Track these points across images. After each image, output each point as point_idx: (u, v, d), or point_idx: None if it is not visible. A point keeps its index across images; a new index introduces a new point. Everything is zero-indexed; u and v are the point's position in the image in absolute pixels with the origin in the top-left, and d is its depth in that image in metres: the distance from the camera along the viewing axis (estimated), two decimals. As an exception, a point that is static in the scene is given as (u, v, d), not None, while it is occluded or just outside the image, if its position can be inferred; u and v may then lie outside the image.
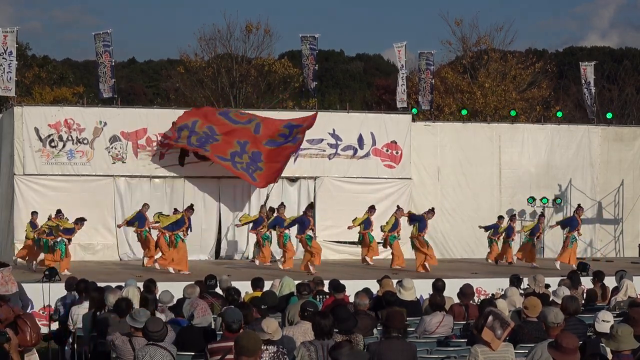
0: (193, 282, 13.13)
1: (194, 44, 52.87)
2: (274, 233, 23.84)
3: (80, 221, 22.09)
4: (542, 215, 26.73)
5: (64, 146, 26.11)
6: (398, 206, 24.97)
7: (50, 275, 15.68)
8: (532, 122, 36.36)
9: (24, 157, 25.79)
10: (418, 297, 14.21)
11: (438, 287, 12.56)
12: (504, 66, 44.19)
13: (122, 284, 13.29)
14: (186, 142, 25.84)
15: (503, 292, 13.51)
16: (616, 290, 14.02)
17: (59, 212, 23.13)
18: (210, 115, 26.88)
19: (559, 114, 32.92)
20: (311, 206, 25.20)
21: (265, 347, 8.26)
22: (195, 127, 26.14)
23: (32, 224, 23.39)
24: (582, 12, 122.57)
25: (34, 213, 23.82)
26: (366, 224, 24.28)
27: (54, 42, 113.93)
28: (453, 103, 43.58)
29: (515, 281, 14.49)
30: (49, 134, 26.01)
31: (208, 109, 28.71)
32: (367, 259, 24.25)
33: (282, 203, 24.74)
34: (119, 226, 24.95)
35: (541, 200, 29.29)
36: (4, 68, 26.44)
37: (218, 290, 13.88)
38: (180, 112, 27.89)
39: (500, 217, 26.54)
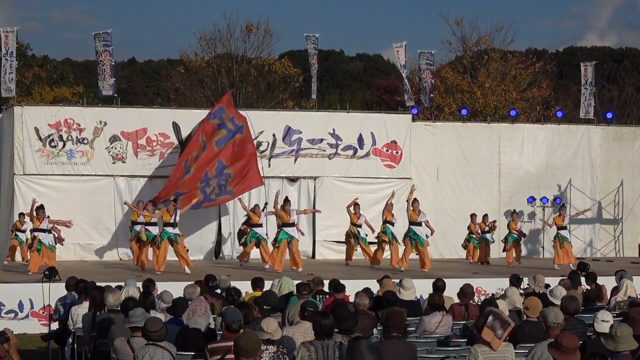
0: (193, 282, 13.13)
1: (194, 44, 52.82)
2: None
3: (38, 210, 22.39)
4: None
5: (64, 146, 26.11)
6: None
7: (50, 275, 15.68)
8: (532, 122, 36.32)
9: (24, 157, 25.79)
10: (418, 297, 14.21)
11: (438, 287, 12.55)
12: (504, 66, 44.17)
13: (122, 284, 13.30)
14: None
15: (503, 292, 13.52)
16: (616, 290, 14.03)
17: (21, 214, 24.01)
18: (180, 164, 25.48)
19: (559, 114, 32.89)
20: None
21: (265, 347, 8.27)
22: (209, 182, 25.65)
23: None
24: (580, 12, 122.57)
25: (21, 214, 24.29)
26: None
27: (53, 42, 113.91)
28: (453, 103, 43.57)
29: (515, 281, 14.50)
30: (49, 133, 26.01)
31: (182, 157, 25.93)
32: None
33: (286, 197, 24.68)
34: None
35: (541, 200, 29.30)
36: (5, 69, 26.48)
37: (218, 290, 13.88)
38: (180, 112, 27.91)
39: (473, 215, 26.68)
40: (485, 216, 26.83)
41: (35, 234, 22.06)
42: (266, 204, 25.86)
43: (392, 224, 24.09)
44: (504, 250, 26.23)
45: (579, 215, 27.15)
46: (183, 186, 25.00)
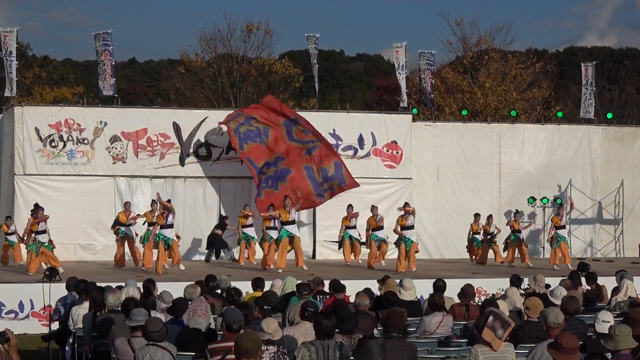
0: (194, 282, 13.13)
1: (195, 44, 52.92)
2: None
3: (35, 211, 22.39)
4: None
5: (64, 146, 26.11)
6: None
7: (51, 275, 15.67)
8: (532, 122, 36.33)
9: (24, 157, 25.79)
10: (418, 298, 14.20)
11: (439, 287, 12.54)
12: (504, 66, 44.20)
13: (122, 284, 13.30)
14: (234, 129, 25.65)
15: (503, 292, 13.51)
16: (616, 290, 14.04)
17: (8, 218, 24.17)
18: (274, 119, 26.33)
19: (560, 114, 32.92)
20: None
21: (265, 347, 8.26)
22: (252, 120, 26.00)
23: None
24: (580, 12, 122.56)
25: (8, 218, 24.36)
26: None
27: (54, 42, 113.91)
28: (453, 103, 43.59)
29: (516, 281, 14.48)
30: (50, 134, 26.01)
31: (282, 109, 27.21)
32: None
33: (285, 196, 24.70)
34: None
35: (541, 200, 29.29)
36: (6, 69, 26.47)
37: (218, 290, 13.87)
38: (180, 112, 27.95)
39: (477, 215, 26.59)
40: (489, 217, 26.68)
41: (34, 236, 21.90)
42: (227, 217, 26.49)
43: (379, 229, 24.12)
44: (504, 250, 26.13)
45: (529, 227, 27.21)
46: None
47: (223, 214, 26.93)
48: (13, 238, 23.75)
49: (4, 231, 24.12)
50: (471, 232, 26.55)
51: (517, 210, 27.51)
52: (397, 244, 23.37)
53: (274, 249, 23.00)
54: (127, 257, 24.09)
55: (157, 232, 22.16)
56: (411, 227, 23.47)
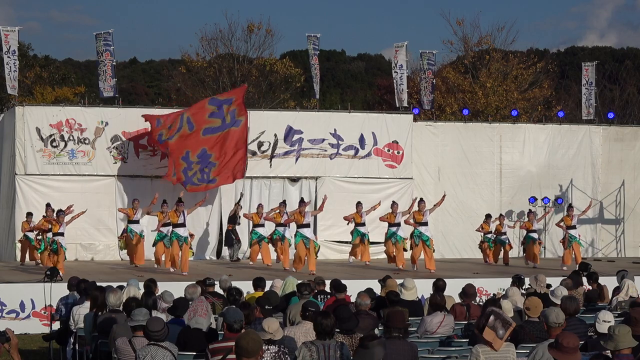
0: (194, 282, 13.15)
1: (196, 44, 52.98)
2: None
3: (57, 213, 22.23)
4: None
5: (65, 146, 26.12)
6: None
7: (52, 275, 15.68)
8: (533, 122, 36.32)
9: (25, 157, 25.80)
10: (419, 297, 14.21)
11: (439, 287, 12.55)
12: (505, 66, 44.15)
13: (124, 283, 13.31)
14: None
15: (504, 292, 13.52)
16: (617, 290, 14.06)
17: (29, 214, 24.34)
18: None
19: (560, 114, 32.91)
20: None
21: (266, 347, 8.27)
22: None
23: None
24: (579, 13, 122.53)
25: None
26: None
27: (54, 42, 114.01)
28: (454, 103, 43.56)
29: (517, 281, 14.49)
30: (51, 133, 26.02)
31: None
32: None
33: (302, 199, 24.74)
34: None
35: (542, 200, 29.28)
36: (9, 67, 26.46)
37: (219, 290, 13.90)
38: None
39: (488, 216, 26.50)
40: (501, 216, 26.62)
41: (55, 237, 21.61)
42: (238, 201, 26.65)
43: (395, 225, 23.91)
44: (524, 252, 25.94)
45: (585, 213, 26.98)
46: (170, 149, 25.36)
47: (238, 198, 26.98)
48: (30, 235, 23.86)
49: (25, 228, 24.17)
50: (484, 234, 26.35)
51: (530, 210, 27.46)
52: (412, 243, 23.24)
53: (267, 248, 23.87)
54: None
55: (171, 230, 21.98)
56: (426, 224, 23.30)
